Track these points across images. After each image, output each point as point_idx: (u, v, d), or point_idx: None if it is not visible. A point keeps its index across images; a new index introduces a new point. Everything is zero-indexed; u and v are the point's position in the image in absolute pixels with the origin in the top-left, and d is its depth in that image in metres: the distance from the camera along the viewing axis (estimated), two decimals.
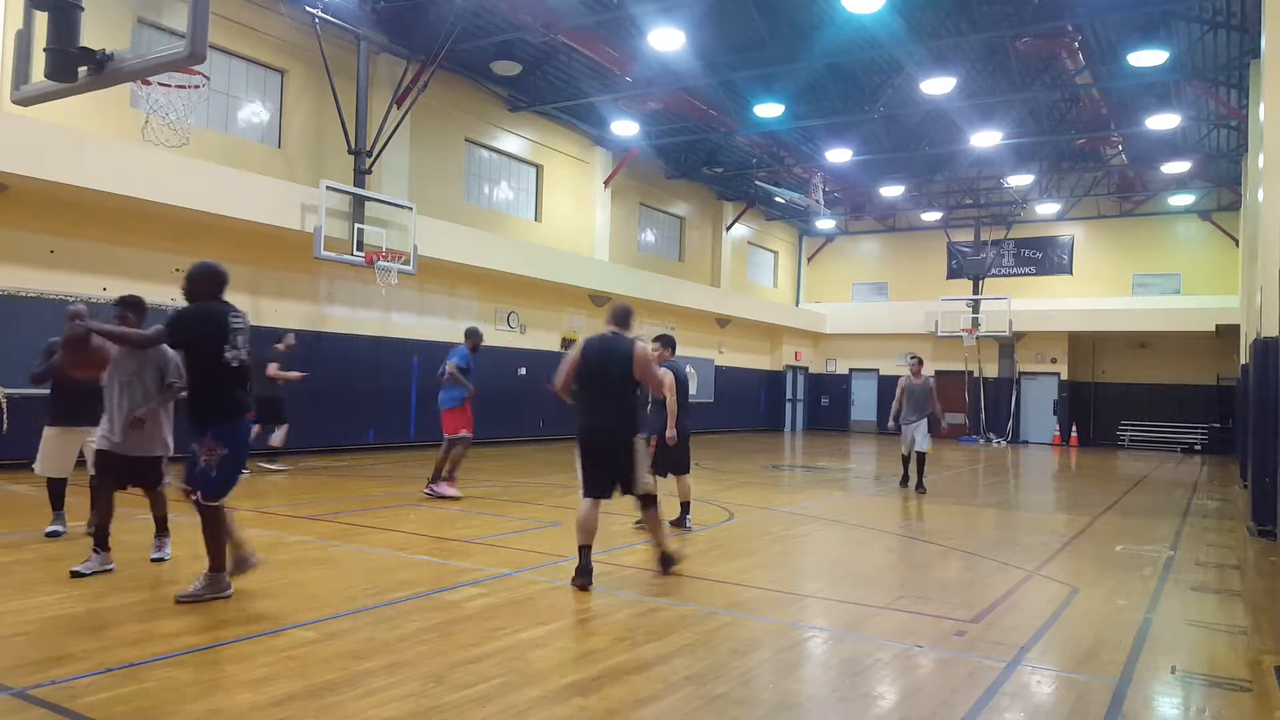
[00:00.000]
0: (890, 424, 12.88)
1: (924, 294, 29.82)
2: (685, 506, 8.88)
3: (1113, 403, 27.87)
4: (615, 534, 8.59)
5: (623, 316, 6.52)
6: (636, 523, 8.15)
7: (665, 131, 21.86)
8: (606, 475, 6.24)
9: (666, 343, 8.63)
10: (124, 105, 12.49)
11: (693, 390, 11.45)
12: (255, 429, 10.77)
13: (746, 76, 18.08)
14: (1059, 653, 4.99)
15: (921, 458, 12.74)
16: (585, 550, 6.10)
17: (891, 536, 9.12)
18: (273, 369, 12.02)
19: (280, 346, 12.43)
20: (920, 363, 13.12)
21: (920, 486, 12.73)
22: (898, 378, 13.17)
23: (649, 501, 6.41)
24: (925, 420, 12.63)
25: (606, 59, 16.94)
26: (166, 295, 13.39)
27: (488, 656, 4.49)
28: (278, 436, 12.32)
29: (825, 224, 31.02)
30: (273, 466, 12.66)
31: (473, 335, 10.64)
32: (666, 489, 7.70)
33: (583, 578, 6.03)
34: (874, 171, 25.52)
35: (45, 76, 4.81)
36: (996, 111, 20.22)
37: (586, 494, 6.23)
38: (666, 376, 8.18)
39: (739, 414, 28.58)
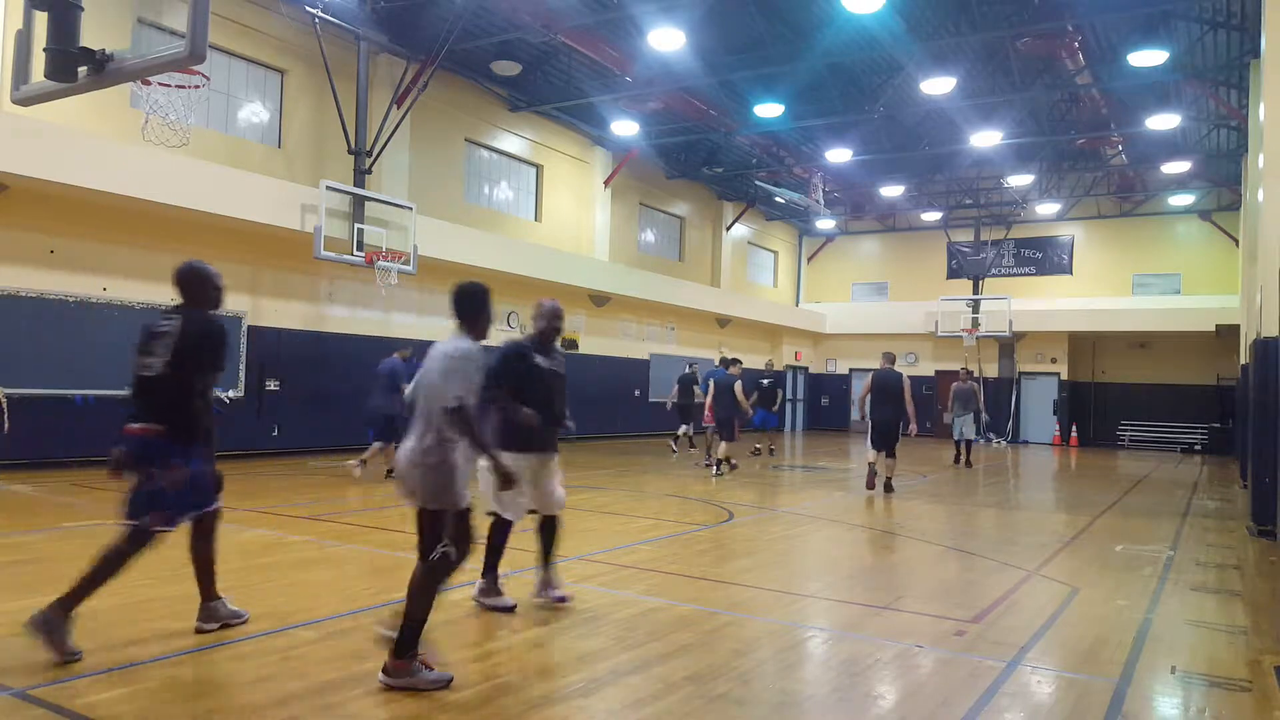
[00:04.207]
0: (946, 418, 17.95)
1: (924, 294, 29.79)
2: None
3: (1113, 403, 27.84)
4: (615, 534, 8.60)
5: (892, 356, 12.60)
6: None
7: (665, 131, 21.84)
8: (884, 441, 12.13)
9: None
10: (124, 105, 12.48)
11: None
12: (686, 428, 17.64)
13: (746, 76, 18.06)
14: (1059, 653, 4.99)
15: (970, 444, 17.61)
16: (871, 466, 12.21)
17: (891, 536, 9.12)
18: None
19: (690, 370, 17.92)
20: (969, 371, 18.22)
21: (968, 463, 17.29)
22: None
23: (893, 454, 12.28)
24: (971, 414, 17.37)
25: (606, 59, 16.92)
26: (166, 295, 13.43)
27: (488, 656, 4.49)
28: (690, 430, 17.65)
29: (825, 224, 30.98)
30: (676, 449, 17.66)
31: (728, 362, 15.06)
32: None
33: (872, 485, 12.27)
34: (874, 171, 25.49)
35: (45, 76, 4.81)
36: (996, 111, 20.20)
37: (875, 448, 12.19)
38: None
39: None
